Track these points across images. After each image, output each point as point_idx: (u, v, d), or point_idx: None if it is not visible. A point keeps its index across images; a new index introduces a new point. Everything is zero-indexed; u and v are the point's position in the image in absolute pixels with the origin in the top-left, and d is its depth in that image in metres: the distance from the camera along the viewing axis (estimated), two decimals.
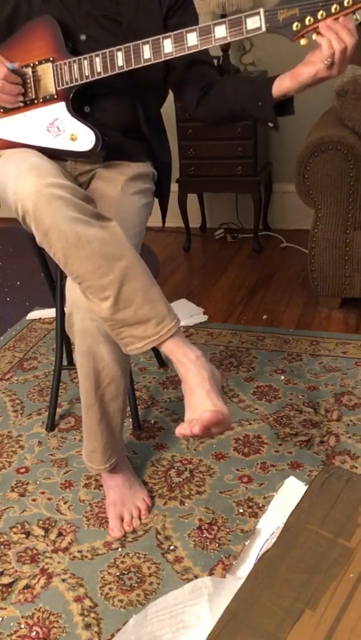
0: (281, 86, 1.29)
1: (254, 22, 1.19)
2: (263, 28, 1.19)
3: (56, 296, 1.73)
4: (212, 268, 2.89)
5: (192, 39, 1.24)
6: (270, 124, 1.36)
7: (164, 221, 1.72)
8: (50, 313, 2.46)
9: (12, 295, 2.72)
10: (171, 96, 1.55)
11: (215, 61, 2.79)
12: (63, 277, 1.68)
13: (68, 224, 1.17)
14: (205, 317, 2.40)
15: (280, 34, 1.19)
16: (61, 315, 1.76)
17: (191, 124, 2.83)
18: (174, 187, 2.89)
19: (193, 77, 1.45)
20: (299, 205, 2.65)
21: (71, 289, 1.30)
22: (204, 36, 1.23)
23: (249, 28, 1.19)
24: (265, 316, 2.40)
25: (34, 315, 2.50)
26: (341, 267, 2.29)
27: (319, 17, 1.16)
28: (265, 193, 3.14)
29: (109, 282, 1.21)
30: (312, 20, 1.17)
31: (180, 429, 1.15)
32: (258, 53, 2.96)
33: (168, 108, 2.75)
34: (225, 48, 2.82)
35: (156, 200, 1.64)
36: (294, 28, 1.18)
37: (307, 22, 1.17)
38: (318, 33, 1.18)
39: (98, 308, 1.24)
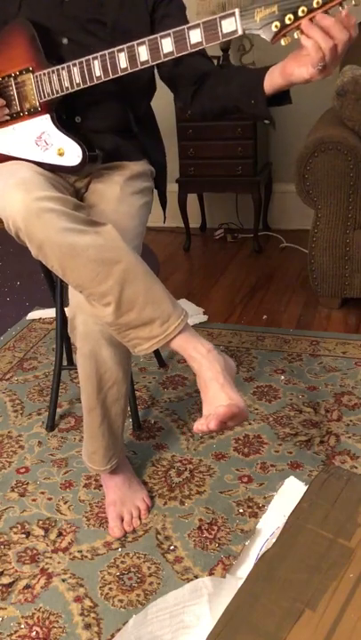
0: (273, 83, 1.22)
1: (230, 25, 1.10)
2: (239, 31, 1.10)
3: (56, 296, 1.73)
4: (212, 268, 2.89)
5: (167, 46, 1.16)
6: (266, 121, 1.31)
7: (165, 215, 1.72)
8: (50, 313, 2.46)
9: (12, 295, 2.72)
10: (171, 96, 1.55)
11: (215, 61, 2.79)
12: None
13: (60, 235, 1.17)
14: (205, 317, 2.40)
15: (259, 35, 1.10)
16: (61, 315, 1.76)
17: (191, 124, 2.83)
18: (174, 187, 2.90)
19: (184, 71, 1.40)
20: (299, 205, 2.65)
21: (74, 293, 1.30)
22: (179, 42, 1.15)
23: (225, 31, 1.10)
24: (265, 316, 2.40)
25: (34, 315, 2.50)
26: (341, 267, 2.29)
27: (300, 14, 1.05)
28: (265, 193, 3.14)
29: (109, 287, 1.20)
30: (292, 17, 1.06)
31: (198, 425, 1.14)
32: (258, 53, 2.96)
33: (168, 108, 2.75)
34: (225, 48, 2.82)
35: (156, 196, 1.63)
36: (273, 28, 1.07)
37: (287, 21, 1.06)
38: (302, 32, 1.07)
39: (101, 313, 1.23)
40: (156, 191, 1.62)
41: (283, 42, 1.09)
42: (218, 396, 1.17)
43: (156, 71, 1.48)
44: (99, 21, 1.38)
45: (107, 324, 1.25)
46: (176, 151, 2.88)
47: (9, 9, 1.39)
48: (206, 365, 1.20)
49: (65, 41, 1.38)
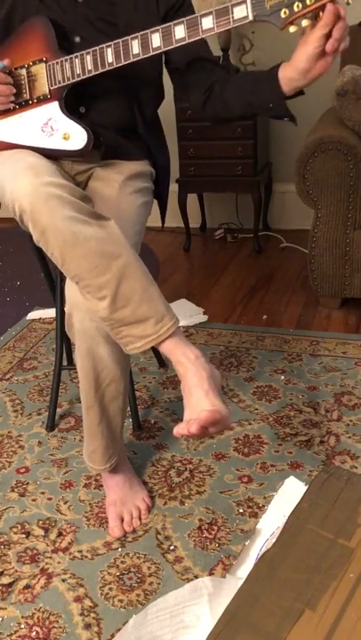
0: (291, 85, 1.24)
1: (241, 11, 1.15)
2: (250, 17, 1.15)
3: (56, 296, 1.73)
4: (212, 268, 2.89)
5: (180, 32, 1.21)
6: (286, 119, 1.33)
7: (163, 221, 1.72)
8: (50, 313, 2.46)
9: (12, 295, 2.72)
10: (170, 96, 1.55)
11: None
12: (63, 278, 1.68)
13: (64, 223, 1.17)
14: (205, 317, 2.40)
15: (268, 22, 1.15)
16: (61, 315, 1.76)
17: (191, 124, 2.82)
18: (174, 187, 2.89)
19: (196, 78, 1.43)
20: (299, 205, 2.65)
21: (70, 290, 1.30)
22: (191, 28, 1.20)
23: (236, 17, 1.16)
24: (265, 316, 2.40)
25: (34, 315, 2.50)
26: (341, 267, 2.29)
27: (308, 2, 1.11)
28: (265, 193, 3.14)
29: (107, 280, 1.21)
30: (300, 5, 1.12)
31: (178, 429, 1.15)
32: (258, 53, 2.96)
33: (168, 108, 2.74)
34: (225, 48, 2.82)
35: (155, 200, 1.64)
36: (282, 15, 1.13)
37: (295, 8, 1.12)
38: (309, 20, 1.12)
39: (96, 307, 1.23)
40: (155, 198, 1.62)
41: (291, 29, 1.15)
42: (201, 401, 1.18)
43: (166, 76, 1.49)
44: (110, 22, 1.40)
45: (101, 318, 1.25)
46: (176, 151, 2.88)
47: (28, 7, 1.42)
48: (192, 371, 1.21)
49: (77, 39, 1.41)
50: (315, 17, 1.14)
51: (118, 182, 1.46)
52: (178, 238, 3.23)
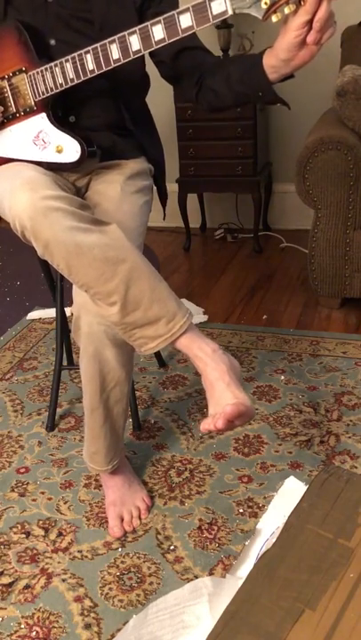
0: (276, 72, 1.18)
1: (219, 5, 1.08)
2: (230, 11, 1.08)
3: (56, 296, 1.73)
4: (212, 268, 2.89)
5: (158, 32, 1.15)
6: (278, 104, 1.29)
7: (164, 213, 1.72)
8: (50, 313, 2.46)
9: (12, 295, 2.72)
10: (171, 96, 1.55)
11: None
12: (63, 277, 1.68)
13: (66, 234, 1.17)
14: (205, 317, 2.40)
15: (249, 13, 1.08)
16: (61, 315, 1.76)
17: (191, 124, 2.82)
18: (174, 187, 2.90)
19: (185, 68, 1.39)
20: (299, 205, 2.65)
21: (78, 293, 1.29)
22: (169, 28, 1.14)
23: (215, 12, 1.09)
24: (265, 316, 2.40)
25: (34, 315, 2.50)
26: (341, 267, 2.29)
27: None
28: (265, 193, 3.14)
29: (115, 286, 1.20)
30: None
31: (205, 425, 1.14)
32: None
33: (168, 108, 2.75)
34: (225, 48, 2.82)
35: (156, 195, 1.63)
36: (263, 5, 1.06)
37: None
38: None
39: (107, 312, 1.23)
40: (155, 188, 1.62)
41: (274, 18, 1.08)
42: (224, 395, 1.17)
43: (152, 68, 1.48)
44: (85, 19, 1.38)
45: (113, 323, 1.25)
46: (176, 151, 2.88)
47: None
48: (212, 365, 1.20)
49: (52, 42, 1.38)
50: (298, 2, 1.06)
51: (119, 183, 1.46)
52: (178, 238, 3.23)
